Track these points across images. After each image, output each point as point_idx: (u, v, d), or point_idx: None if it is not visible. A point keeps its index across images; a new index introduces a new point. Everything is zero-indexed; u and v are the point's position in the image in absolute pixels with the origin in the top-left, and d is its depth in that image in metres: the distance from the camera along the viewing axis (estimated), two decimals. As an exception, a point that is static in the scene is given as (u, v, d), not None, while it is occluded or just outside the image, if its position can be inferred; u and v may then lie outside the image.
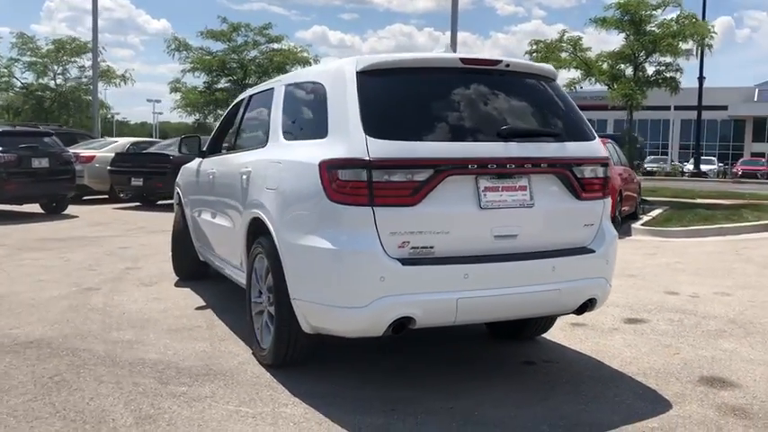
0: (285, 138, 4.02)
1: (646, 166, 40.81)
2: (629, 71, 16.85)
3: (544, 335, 4.67)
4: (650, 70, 16.91)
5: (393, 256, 3.23)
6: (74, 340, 4.50)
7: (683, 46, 15.91)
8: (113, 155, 15.21)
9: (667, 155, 54.73)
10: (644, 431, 3.16)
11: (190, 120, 23.56)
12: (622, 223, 10.81)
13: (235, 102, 5.69)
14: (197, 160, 6.09)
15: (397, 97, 3.47)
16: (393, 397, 3.53)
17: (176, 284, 6.38)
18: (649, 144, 58.18)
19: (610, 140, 11.75)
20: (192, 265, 6.44)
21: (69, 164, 12.91)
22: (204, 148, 5.88)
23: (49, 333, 4.66)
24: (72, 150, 14.17)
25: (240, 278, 4.72)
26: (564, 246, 3.61)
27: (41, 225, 11.14)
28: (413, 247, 3.27)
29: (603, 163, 3.74)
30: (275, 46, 23.33)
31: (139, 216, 12.79)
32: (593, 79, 17.23)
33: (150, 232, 10.36)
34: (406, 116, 3.41)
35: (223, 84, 23.12)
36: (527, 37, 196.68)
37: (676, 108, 50.75)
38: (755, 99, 65.96)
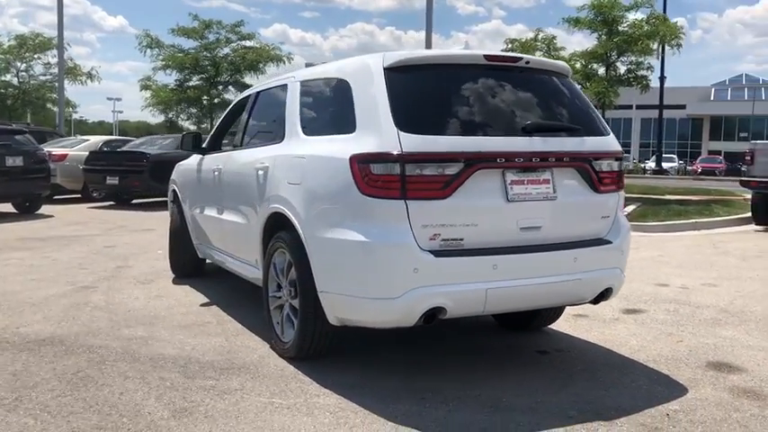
0: (305, 133, 4.06)
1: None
2: (601, 70, 17.21)
3: (551, 325, 4.80)
4: (622, 69, 17.30)
5: (425, 248, 3.31)
6: (86, 338, 4.48)
7: (654, 46, 16.31)
8: (87, 153, 14.96)
9: (629, 153, 55.89)
10: (667, 413, 3.30)
11: (161, 118, 23.31)
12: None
13: (238, 99, 5.70)
14: (195, 157, 6.08)
15: (424, 93, 3.55)
16: (418, 387, 3.61)
17: (174, 282, 6.36)
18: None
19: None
20: (189, 263, 6.43)
21: (44, 162, 12.68)
22: (204, 145, 5.88)
23: (58, 331, 4.62)
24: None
25: (251, 274, 4.75)
26: (583, 237, 3.73)
27: (17, 225, 10.94)
28: (443, 239, 3.35)
29: (618, 157, 3.88)
30: (247, 43, 23.21)
31: (117, 215, 12.63)
32: (568, 78, 17.48)
33: (133, 231, 10.26)
34: (434, 111, 3.49)
35: (195, 81, 22.88)
36: (488, 36, 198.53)
37: (638, 107, 51.90)
38: (712, 98, 67.81)
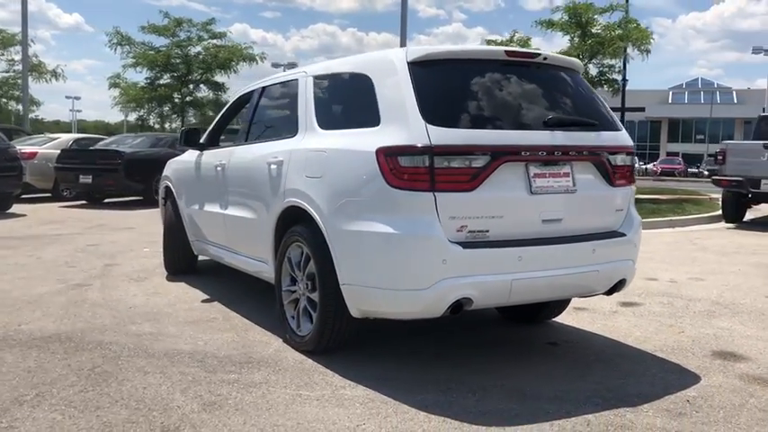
0: (322, 127, 4.07)
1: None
2: (573, 72, 17.41)
3: (554, 318, 4.89)
4: (593, 71, 17.60)
5: (452, 240, 3.35)
6: (93, 334, 4.41)
7: (630, 50, 16.64)
8: (58, 151, 14.66)
9: (592, 154, 56.77)
10: (687, 399, 3.40)
11: (122, 117, 22.95)
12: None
13: (238, 95, 5.66)
14: (192, 153, 6.02)
15: (448, 87, 3.59)
16: (440, 378, 3.65)
17: (168, 279, 6.29)
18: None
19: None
20: (184, 260, 6.38)
21: (16, 160, 12.38)
22: (202, 141, 5.84)
23: (62, 328, 4.54)
24: (13, 147, 13.59)
25: (257, 269, 4.75)
26: (599, 230, 3.82)
27: (-9, 224, 10.67)
28: (470, 231, 3.40)
29: (630, 152, 3.98)
30: (219, 42, 22.96)
31: (92, 214, 12.39)
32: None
33: (113, 230, 10.09)
34: (458, 105, 3.54)
35: (166, 79, 22.55)
36: (448, 39, 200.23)
37: (600, 109, 52.74)
38: (669, 101, 69.40)
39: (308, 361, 3.89)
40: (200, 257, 6.43)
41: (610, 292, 3.95)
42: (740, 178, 11.03)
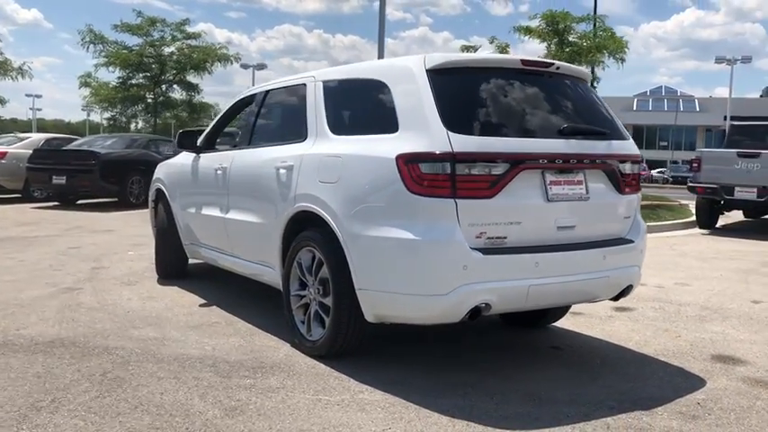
0: (334, 132, 4.08)
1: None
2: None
3: (554, 323, 4.96)
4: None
5: (472, 246, 3.39)
6: (97, 339, 4.35)
7: (605, 59, 16.95)
8: (30, 151, 14.36)
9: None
10: (697, 402, 3.49)
11: (98, 117, 22.50)
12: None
13: (238, 99, 5.63)
14: (187, 156, 5.97)
15: (466, 94, 3.63)
16: (456, 382, 3.69)
17: (160, 283, 6.21)
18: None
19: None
20: (176, 264, 6.32)
21: (-12, 160, 12.10)
22: (198, 144, 5.80)
23: (63, 333, 4.47)
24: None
25: (260, 272, 4.74)
26: (609, 236, 3.91)
27: (-36, 225, 10.41)
28: (488, 238, 3.45)
29: (638, 160, 4.07)
30: (193, 42, 22.70)
31: (67, 216, 12.16)
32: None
33: (92, 232, 9.92)
34: (477, 112, 3.59)
35: (139, 79, 22.21)
36: (415, 42, 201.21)
37: (567, 115, 53.50)
38: (634, 108, 70.65)
39: (320, 365, 3.90)
40: (191, 261, 6.38)
41: (617, 297, 4.04)
42: (715, 185, 11.31)
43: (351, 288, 3.69)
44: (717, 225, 12.32)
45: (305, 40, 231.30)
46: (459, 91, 3.63)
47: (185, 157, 6.03)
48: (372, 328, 3.87)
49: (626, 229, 4.02)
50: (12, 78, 25.26)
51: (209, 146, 5.75)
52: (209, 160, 5.49)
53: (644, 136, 67.87)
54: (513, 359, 4.21)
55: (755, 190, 11.00)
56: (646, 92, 74.69)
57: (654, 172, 52.44)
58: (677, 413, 3.33)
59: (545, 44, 17.08)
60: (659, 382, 3.82)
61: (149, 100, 22.59)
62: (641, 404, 3.43)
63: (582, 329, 4.93)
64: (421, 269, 3.41)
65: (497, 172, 3.42)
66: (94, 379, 3.61)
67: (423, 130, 3.46)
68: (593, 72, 18.22)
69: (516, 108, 3.69)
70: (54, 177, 13.53)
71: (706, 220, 12.01)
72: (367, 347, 4.11)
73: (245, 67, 39.64)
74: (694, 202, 12.62)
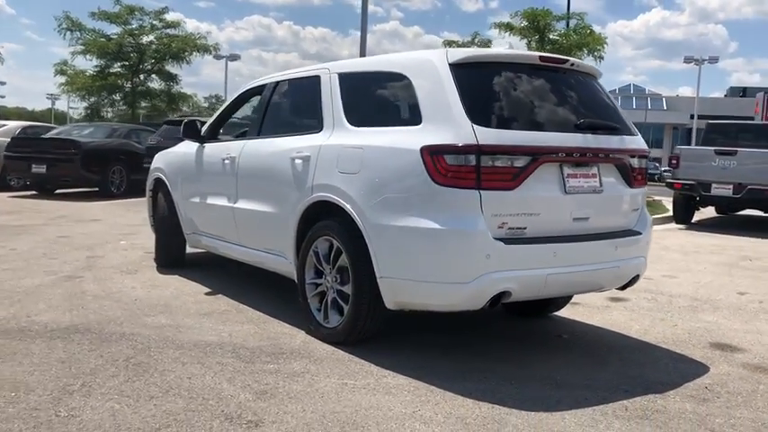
0: (352, 124, 4.16)
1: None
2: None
3: (555, 312, 5.12)
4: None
5: (495, 236, 3.51)
6: (110, 326, 4.38)
7: (584, 57, 17.22)
8: (7, 139, 14.13)
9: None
10: (705, 386, 3.67)
11: (82, 104, 22.10)
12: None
13: (244, 90, 5.66)
14: (190, 145, 5.98)
15: (488, 88, 3.74)
16: (474, 367, 3.80)
17: (161, 272, 6.22)
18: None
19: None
20: (176, 253, 6.34)
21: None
22: (202, 134, 5.82)
23: (76, 320, 4.49)
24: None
25: (271, 262, 4.80)
26: (619, 228, 4.06)
27: (-55, 213, 10.25)
28: (509, 228, 3.57)
29: (645, 155, 4.23)
30: (171, 31, 22.47)
31: (49, 205, 12.01)
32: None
33: (78, 221, 9.84)
34: (499, 106, 3.71)
35: (116, 68, 21.91)
36: (385, 37, 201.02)
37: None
38: (607, 105, 71.42)
39: (340, 352, 3.98)
40: (188, 250, 6.41)
41: (624, 287, 4.19)
42: (692, 182, 11.63)
43: (371, 276, 3.79)
44: (692, 220, 12.66)
45: (274, 31, 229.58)
46: (480, 85, 3.73)
47: (187, 146, 6.04)
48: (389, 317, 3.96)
49: (634, 221, 4.17)
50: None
51: (214, 136, 5.78)
52: (217, 150, 5.52)
53: (613, 133, 68.72)
54: (522, 347, 4.34)
55: (731, 186, 11.33)
56: (615, 90, 75.63)
57: None
58: (688, 396, 3.49)
59: (525, 41, 17.33)
60: (665, 367, 3.98)
61: (127, 89, 22.33)
62: (653, 388, 3.59)
63: (583, 318, 5.09)
64: (446, 258, 3.51)
65: (519, 164, 3.54)
66: (119, 364, 3.65)
67: (447, 122, 3.56)
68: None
69: (535, 102, 3.82)
70: (34, 166, 13.36)
71: (683, 215, 12.33)
72: (381, 335, 4.21)
73: (218, 57, 39.25)
74: (671, 198, 12.94)
